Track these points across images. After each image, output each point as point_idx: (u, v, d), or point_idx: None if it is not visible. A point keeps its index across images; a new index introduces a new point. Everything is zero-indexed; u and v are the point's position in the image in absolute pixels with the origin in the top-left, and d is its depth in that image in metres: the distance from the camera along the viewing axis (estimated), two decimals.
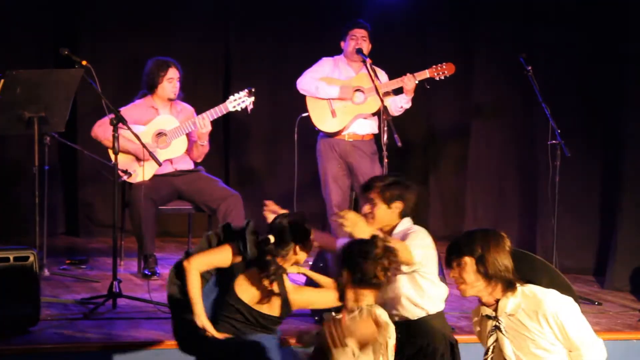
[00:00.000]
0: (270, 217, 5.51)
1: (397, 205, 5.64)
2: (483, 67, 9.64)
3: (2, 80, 7.21)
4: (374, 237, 4.72)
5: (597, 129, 8.72)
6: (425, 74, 8.33)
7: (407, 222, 5.69)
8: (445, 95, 9.76)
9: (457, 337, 6.62)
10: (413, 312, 5.66)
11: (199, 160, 8.30)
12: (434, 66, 8.35)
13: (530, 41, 8.94)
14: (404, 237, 5.57)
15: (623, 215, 8.22)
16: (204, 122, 8.05)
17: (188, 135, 8.15)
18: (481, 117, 9.66)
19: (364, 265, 4.63)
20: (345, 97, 8.36)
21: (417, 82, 8.30)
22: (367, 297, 4.68)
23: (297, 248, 5.32)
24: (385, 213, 5.65)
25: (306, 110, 8.49)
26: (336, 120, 8.43)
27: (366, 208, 5.67)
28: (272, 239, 5.29)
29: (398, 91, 8.38)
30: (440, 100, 9.91)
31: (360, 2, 9.75)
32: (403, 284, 5.62)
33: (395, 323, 5.24)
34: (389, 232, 5.64)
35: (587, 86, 8.74)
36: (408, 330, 5.55)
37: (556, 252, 7.72)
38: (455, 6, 9.96)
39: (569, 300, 4.55)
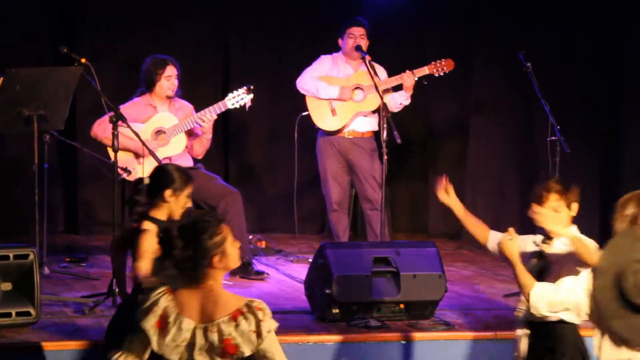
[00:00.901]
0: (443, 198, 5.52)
1: (574, 208, 5.36)
2: (482, 63, 9.66)
3: (2, 78, 7.26)
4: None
5: (596, 126, 8.76)
6: (425, 70, 8.37)
7: (575, 228, 5.39)
8: (445, 92, 9.77)
9: (456, 333, 6.69)
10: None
11: (200, 157, 8.33)
12: (433, 62, 8.39)
13: (529, 38, 8.96)
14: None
15: None
16: (206, 117, 8.07)
17: (188, 132, 8.17)
18: (480, 113, 9.68)
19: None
20: (345, 98, 8.40)
21: (416, 79, 8.34)
22: None
23: (167, 193, 5.28)
24: (567, 215, 5.33)
25: (306, 109, 8.54)
26: (337, 119, 8.48)
27: (547, 210, 5.30)
28: (147, 180, 5.33)
29: (397, 88, 8.42)
30: (439, 97, 9.93)
31: (360, 0, 9.77)
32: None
33: (529, 322, 5.28)
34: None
35: (586, 84, 8.78)
36: (540, 332, 5.35)
37: None
38: (455, 3, 9.97)
39: None
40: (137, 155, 7.98)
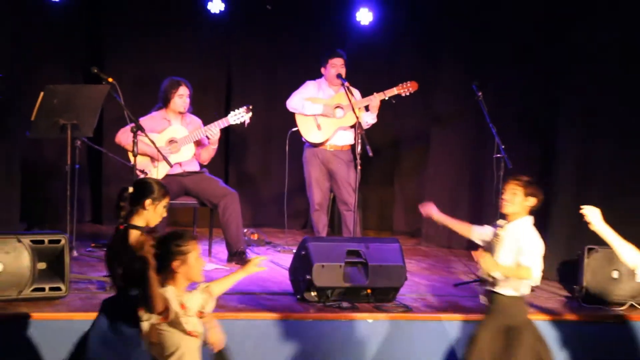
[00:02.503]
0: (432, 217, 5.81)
1: (532, 200, 5.69)
2: (441, 88, 9.54)
3: (43, 93, 7.27)
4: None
5: (533, 145, 8.76)
6: (394, 91, 8.36)
7: (528, 220, 5.71)
8: (409, 111, 9.73)
9: (413, 314, 6.68)
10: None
11: (206, 163, 8.31)
12: (400, 84, 8.38)
13: (481, 67, 8.98)
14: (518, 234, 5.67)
15: (553, 217, 8.25)
16: (213, 129, 8.12)
17: (196, 142, 8.16)
18: (439, 131, 9.61)
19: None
20: (327, 114, 8.46)
21: (386, 98, 8.31)
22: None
23: (147, 202, 5.18)
24: (521, 203, 5.68)
25: (295, 125, 8.53)
26: (321, 133, 8.49)
27: (507, 195, 5.70)
28: (130, 189, 5.24)
29: (367, 107, 8.40)
30: (404, 115, 9.87)
31: (340, 34, 9.75)
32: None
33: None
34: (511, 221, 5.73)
35: (528, 110, 8.78)
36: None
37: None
38: (420, 36, 9.92)
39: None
40: (153, 160, 8.00)
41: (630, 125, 8.12)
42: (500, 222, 5.79)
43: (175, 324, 4.43)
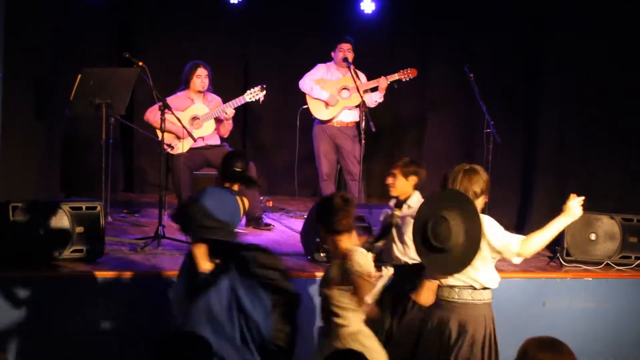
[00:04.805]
0: None
1: (413, 179, 5.70)
2: (437, 71, 9.55)
3: (80, 76, 7.29)
4: (332, 194, 4.68)
5: (520, 121, 8.74)
6: (395, 76, 8.37)
7: (418, 194, 5.75)
8: (408, 92, 9.68)
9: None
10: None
11: (225, 136, 8.33)
12: (402, 70, 8.39)
13: (472, 53, 8.94)
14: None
15: (537, 185, 8.25)
16: (228, 109, 8.11)
17: (216, 118, 8.19)
18: (435, 110, 9.62)
19: (332, 218, 4.63)
20: (331, 103, 8.40)
21: (388, 82, 8.35)
22: (344, 242, 4.70)
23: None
24: (404, 184, 5.70)
25: (305, 103, 8.53)
26: (328, 111, 8.47)
27: (389, 180, 5.71)
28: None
29: (374, 89, 8.43)
30: (404, 96, 9.83)
31: (345, 21, 9.71)
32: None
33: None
34: (405, 200, 5.71)
35: (514, 89, 8.77)
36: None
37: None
38: (415, 26, 9.92)
39: None
40: (178, 135, 8.00)
41: (599, 112, 8.16)
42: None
43: None
